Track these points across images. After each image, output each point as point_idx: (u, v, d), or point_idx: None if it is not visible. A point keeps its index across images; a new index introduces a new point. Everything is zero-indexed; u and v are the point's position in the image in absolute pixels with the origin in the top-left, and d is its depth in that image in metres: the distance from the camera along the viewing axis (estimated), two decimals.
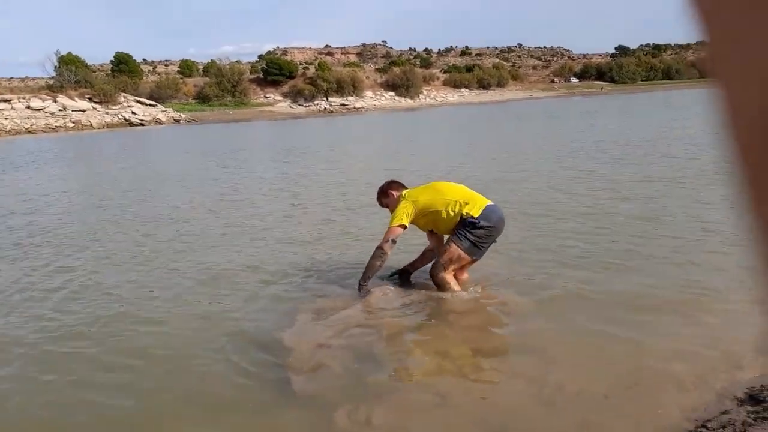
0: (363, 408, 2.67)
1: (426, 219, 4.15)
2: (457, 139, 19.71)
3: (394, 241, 4.03)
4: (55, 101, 42.66)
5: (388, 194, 4.32)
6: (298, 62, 78.43)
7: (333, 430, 2.53)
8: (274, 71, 62.02)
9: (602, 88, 77.50)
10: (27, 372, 3.31)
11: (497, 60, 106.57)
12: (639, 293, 3.95)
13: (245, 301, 4.24)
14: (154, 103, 48.49)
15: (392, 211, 4.20)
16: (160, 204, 8.84)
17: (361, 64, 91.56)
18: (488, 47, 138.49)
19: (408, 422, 2.57)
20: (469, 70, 79.14)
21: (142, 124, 43.36)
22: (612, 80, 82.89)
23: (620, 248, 5.03)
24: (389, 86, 64.59)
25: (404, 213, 4.04)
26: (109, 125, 42.07)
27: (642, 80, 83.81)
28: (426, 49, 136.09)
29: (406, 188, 4.33)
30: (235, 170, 13.03)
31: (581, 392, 2.73)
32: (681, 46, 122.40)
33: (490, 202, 4.10)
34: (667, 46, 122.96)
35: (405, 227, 4.06)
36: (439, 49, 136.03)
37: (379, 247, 4.03)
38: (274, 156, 16.50)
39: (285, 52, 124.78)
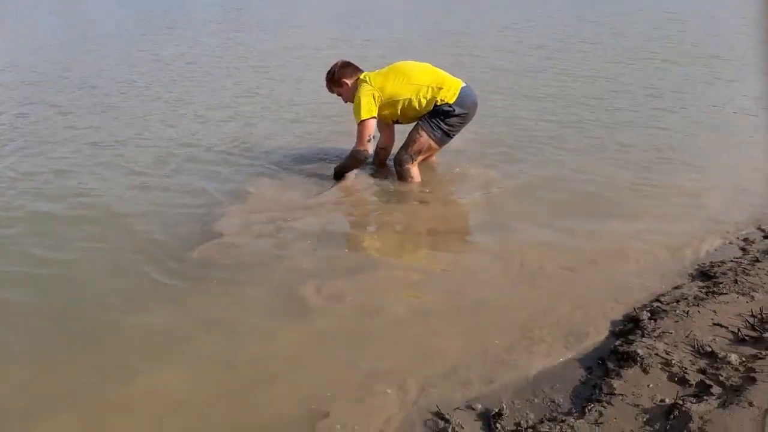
0: (330, 284, 2.67)
1: (391, 109, 3.71)
2: None
3: (373, 137, 3.68)
4: None
5: (340, 83, 3.76)
6: None
7: (302, 305, 2.52)
8: None
9: None
10: None
11: None
12: (602, 174, 4.00)
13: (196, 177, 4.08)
14: None
15: (349, 99, 3.78)
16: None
17: None
18: None
19: (378, 298, 2.58)
20: None
21: None
22: None
23: (588, 128, 5.02)
24: None
25: (370, 102, 3.60)
26: None
27: None
28: None
29: (362, 71, 3.80)
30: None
31: (545, 267, 2.81)
32: None
33: (463, 84, 3.73)
34: None
35: (375, 118, 3.67)
36: None
37: (359, 151, 3.66)
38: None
39: None
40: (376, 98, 3.64)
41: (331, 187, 3.76)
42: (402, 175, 3.82)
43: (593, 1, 15.83)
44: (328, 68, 3.85)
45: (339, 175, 3.84)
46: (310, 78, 6.64)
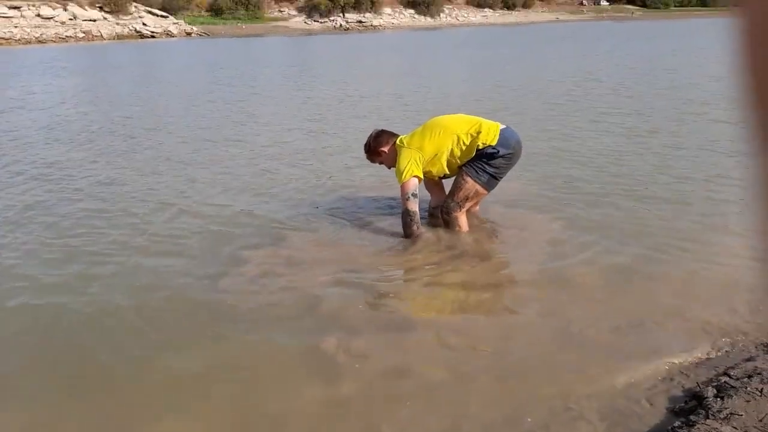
0: (362, 340, 2.51)
1: (437, 165, 3.59)
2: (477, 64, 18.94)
3: (415, 195, 3.52)
4: (65, 9, 41.48)
5: (378, 152, 3.72)
6: None
7: (331, 362, 2.37)
8: None
9: (633, 13, 73.93)
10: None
11: None
12: (660, 228, 3.70)
13: (250, 230, 4.05)
14: (165, 14, 47.02)
15: (391, 165, 3.70)
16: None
17: None
18: None
19: (410, 358, 2.39)
20: None
21: (152, 36, 42.27)
22: (644, 4, 78.94)
23: (641, 179, 4.72)
24: (409, 3, 61.97)
25: (412, 163, 3.49)
26: (119, 36, 41.04)
27: (676, 5, 79.76)
28: None
29: (397, 135, 3.74)
30: (248, 90, 12.60)
31: (594, 329, 2.54)
32: None
33: (502, 126, 3.60)
34: None
35: (420, 179, 3.56)
36: None
37: (405, 211, 3.53)
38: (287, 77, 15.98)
39: None
40: (418, 160, 3.53)
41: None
42: (450, 224, 3.65)
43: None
44: (365, 141, 3.84)
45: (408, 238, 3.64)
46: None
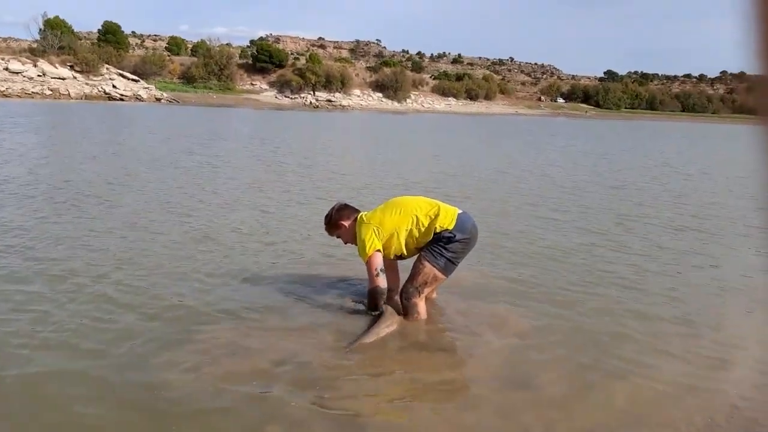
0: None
1: (395, 244, 3.61)
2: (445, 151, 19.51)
3: (382, 271, 3.56)
4: (35, 65, 41.46)
5: (338, 225, 3.77)
6: (289, 51, 77.66)
7: None
8: (264, 58, 61.25)
9: (586, 112, 78.38)
10: None
11: (488, 72, 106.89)
12: (631, 315, 3.73)
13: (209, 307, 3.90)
14: (137, 78, 47.42)
15: (349, 240, 3.80)
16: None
17: (353, 60, 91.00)
18: (480, 57, 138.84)
19: None
20: (459, 79, 79.25)
21: (122, 99, 42.38)
22: (597, 104, 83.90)
23: (596, 269, 4.81)
24: (378, 86, 64.32)
25: (372, 237, 3.54)
26: (87, 96, 41.02)
27: (626, 108, 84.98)
28: (419, 53, 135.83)
29: (359, 211, 3.81)
30: (214, 162, 12.58)
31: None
32: (668, 77, 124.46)
33: (459, 211, 3.66)
34: (654, 76, 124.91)
35: (380, 251, 3.58)
36: (432, 54, 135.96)
37: (374, 288, 3.56)
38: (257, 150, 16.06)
39: (278, 39, 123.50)
40: (378, 233, 3.56)
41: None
42: (408, 310, 3.60)
43: None
44: (326, 213, 3.87)
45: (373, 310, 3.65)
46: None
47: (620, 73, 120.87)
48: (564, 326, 3.73)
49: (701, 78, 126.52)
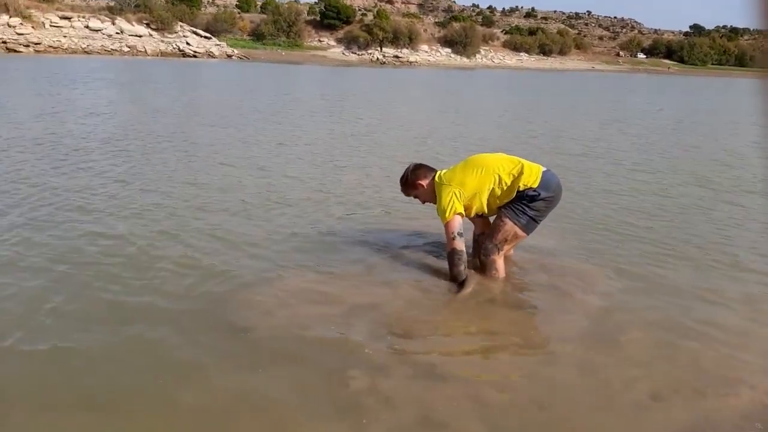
0: (391, 385, 2.39)
1: (477, 203, 3.49)
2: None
3: (461, 234, 3.42)
4: (113, 23, 42.92)
5: (416, 185, 3.65)
6: (356, 7, 76.76)
7: (357, 404, 2.25)
8: (332, 14, 60.96)
9: (669, 68, 73.94)
10: None
11: (563, 26, 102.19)
12: (712, 286, 3.53)
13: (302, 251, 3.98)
14: (209, 35, 48.36)
15: (427, 200, 3.69)
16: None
17: (421, 15, 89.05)
18: (555, 11, 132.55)
19: (441, 411, 2.26)
20: (532, 34, 76.17)
21: (195, 56, 43.40)
22: (681, 60, 78.94)
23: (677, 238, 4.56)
24: (446, 42, 62.85)
25: (454, 200, 3.40)
26: (162, 53, 42.25)
27: (713, 63, 79.56)
28: (490, 7, 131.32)
29: (435, 170, 3.67)
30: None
31: (632, 392, 2.39)
32: (760, 32, 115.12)
33: (544, 168, 3.50)
34: (745, 30, 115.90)
35: (463, 215, 3.46)
36: (504, 9, 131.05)
37: (452, 251, 3.42)
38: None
39: None
40: (459, 195, 3.43)
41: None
42: (487, 267, 3.52)
43: None
44: (401, 173, 3.76)
45: (455, 280, 3.49)
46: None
47: (707, 28, 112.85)
48: (649, 287, 3.57)
49: None
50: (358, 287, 3.36)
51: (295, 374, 2.45)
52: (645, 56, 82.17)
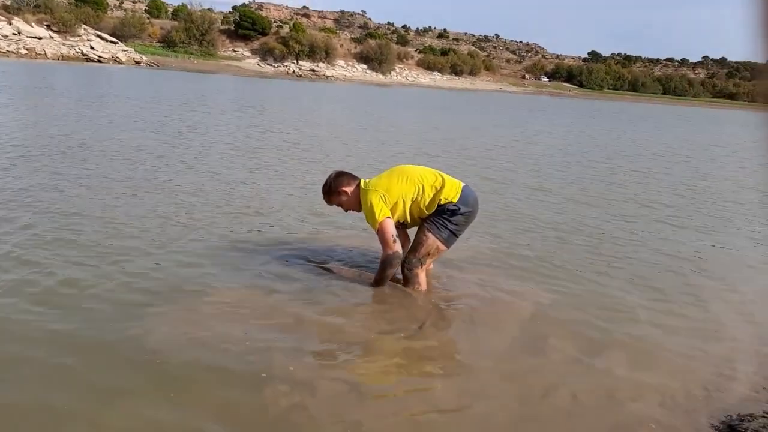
0: (311, 400, 2.38)
1: (399, 212, 3.55)
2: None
3: (396, 236, 3.47)
4: (9, 23, 40.06)
5: (340, 192, 3.62)
6: (272, 19, 76.15)
7: (275, 418, 2.23)
8: (247, 25, 60.10)
9: (569, 91, 78.59)
10: None
11: (473, 48, 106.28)
12: (608, 298, 3.79)
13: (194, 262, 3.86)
14: (115, 40, 46.22)
15: (351, 208, 3.68)
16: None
17: (337, 31, 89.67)
18: (466, 33, 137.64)
19: (368, 423, 2.28)
20: (444, 54, 78.65)
21: (99, 61, 41.29)
22: (581, 84, 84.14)
23: (577, 256, 4.87)
24: (362, 58, 63.61)
25: (380, 203, 3.44)
26: (64, 57, 39.87)
27: (609, 88, 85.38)
28: (404, 26, 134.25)
29: (358, 178, 3.68)
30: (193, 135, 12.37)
31: (550, 398, 2.52)
32: (650, 60, 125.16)
33: (463, 184, 3.62)
34: (637, 58, 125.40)
35: (390, 217, 3.48)
36: (418, 28, 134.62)
37: (392, 254, 3.45)
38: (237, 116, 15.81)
39: (261, 6, 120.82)
40: (385, 199, 3.48)
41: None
42: (409, 280, 3.60)
43: None
44: (324, 182, 3.73)
45: (378, 284, 3.61)
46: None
47: (604, 55, 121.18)
48: (565, 295, 3.78)
49: (683, 62, 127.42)
50: (278, 303, 3.32)
51: (219, 395, 2.39)
52: (548, 79, 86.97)
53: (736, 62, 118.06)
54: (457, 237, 3.64)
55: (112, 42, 45.35)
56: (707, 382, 2.84)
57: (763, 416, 2.52)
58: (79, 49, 41.47)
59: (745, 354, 3.22)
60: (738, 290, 4.30)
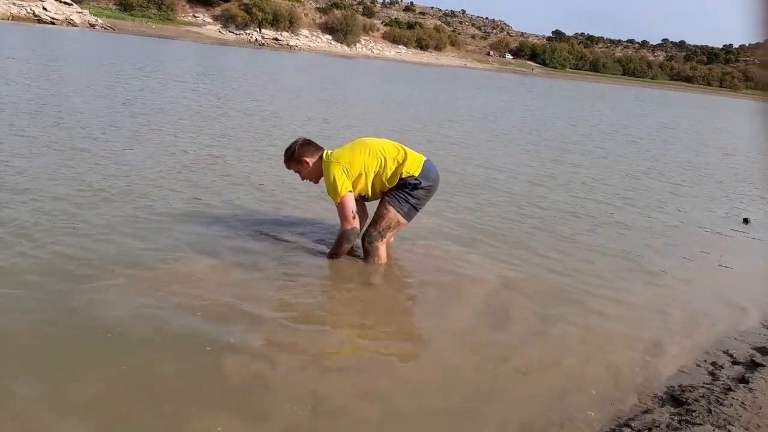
0: (283, 376, 2.40)
1: (361, 184, 3.56)
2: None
3: (355, 213, 3.49)
4: None
5: (300, 161, 3.58)
6: None
7: (236, 390, 2.24)
8: None
9: (533, 70, 79.24)
10: None
11: (439, 22, 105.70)
12: (565, 280, 3.91)
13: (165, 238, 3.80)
14: (69, 1, 44.22)
15: (308, 177, 3.66)
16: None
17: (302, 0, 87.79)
18: (432, 7, 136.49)
19: (325, 396, 2.32)
20: (410, 28, 78.10)
21: (52, 23, 39.53)
22: (544, 63, 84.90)
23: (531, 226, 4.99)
24: (327, 29, 62.62)
25: (342, 177, 3.43)
26: (14, 17, 37.98)
27: (571, 68, 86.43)
28: None
29: (323, 149, 3.65)
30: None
31: (499, 368, 2.61)
32: (612, 41, 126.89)
33: (425, 158, 3.65)
34: (599, 39, 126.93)
35: (352, 192, 3.50)
36: (384, 0, 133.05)
37: (350, 229, 3.48)
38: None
39: None
40: (347, 173, 3.48)
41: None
42: (370, 253, 3.64)
43: None
44: (288, 146, 3.69)
45: (335, 257, 3.65)
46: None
47: (567, 34, 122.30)
48: (523, 270, 3.88)
49: (643, 44, 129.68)
50: (235, 275, 3.31)
51: (175, 366, 2.38)
52: (512, 57, 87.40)
53: (695, 46, 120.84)
54: (418, 211, 3.68)
55: (65, 3, 43.36)
56: (650, 355, 2.97)
57: (703, 386, 2.66)
58: (30, 9, 39.55)
59: (687, 327, 3.38)
60: (685, 267, 4.49)
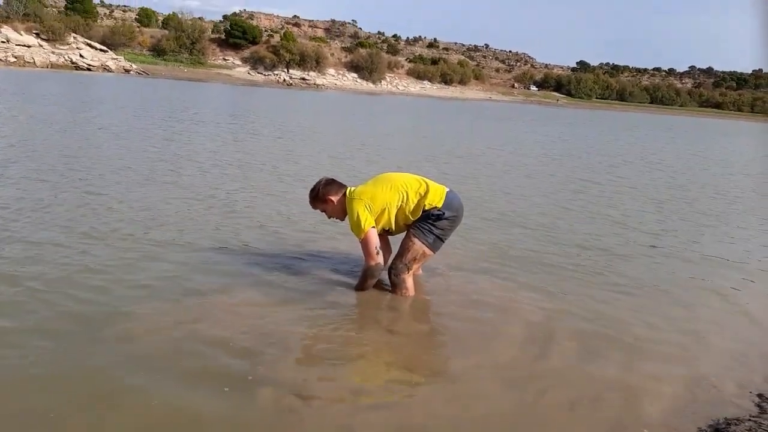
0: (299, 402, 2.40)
1: (385, 219, 3.61)
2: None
3: (379, 247, 3.55)
4: None
5: (325, 200, 3.67)
6: (263, 28, 76.26)
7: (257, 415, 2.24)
8: (237, 34, 60.14)
9: (557, 100, 79.18)
10: None
11: (463, 57, 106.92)
12: (601, 309, 3.83)
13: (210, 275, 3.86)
14: (105, 48, 46.10)
15: (335, 215, 3.73)
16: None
17: (328, 40, 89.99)
18: (456, 43, 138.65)
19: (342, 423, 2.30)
20: (435, 63, 79.03)
21: (89, 69, 41.12)
22: (569, 93, 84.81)
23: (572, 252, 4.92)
24: (353, 67, 63.79)
25: (366, 214, 3.49)
26: (53, 65, 39.69)
27: (597, 98, 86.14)
28: (395, 35, 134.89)
29: (346, 186, 3.73)
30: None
31: (544, 400, 2.55)
32: (638, 70, 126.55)
33: (447, 189, 3.70)
34: (624, 68, 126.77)
35: (375, 227, 3.54)
36: (408, 38, 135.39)
37: (375, 265, 3.53)
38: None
39: (251, 15, 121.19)
40: (369, 208, 3.53)
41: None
42: (397, 286, 3.65)
43: None
44: (312, 186, 3.77)
45: (360, 290, 3.71)
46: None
47: (592, 64, 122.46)
48: (557, 299, 3.82)
49: (670, 72, 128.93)
50: (266, 307, 3.35)
51: (207, 400, 2.39)
52: (537, 89, 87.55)
53: (723, 72, 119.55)
54: (443, 241, 3.70)
55: (101, 50, 45.22)
56: (695, 387, 2.88)
57: (749, 420, 2.56)
58: (68, 57, 41.29)
59: (733, 359, 3.27)
60: (730, 293, 4.36)
